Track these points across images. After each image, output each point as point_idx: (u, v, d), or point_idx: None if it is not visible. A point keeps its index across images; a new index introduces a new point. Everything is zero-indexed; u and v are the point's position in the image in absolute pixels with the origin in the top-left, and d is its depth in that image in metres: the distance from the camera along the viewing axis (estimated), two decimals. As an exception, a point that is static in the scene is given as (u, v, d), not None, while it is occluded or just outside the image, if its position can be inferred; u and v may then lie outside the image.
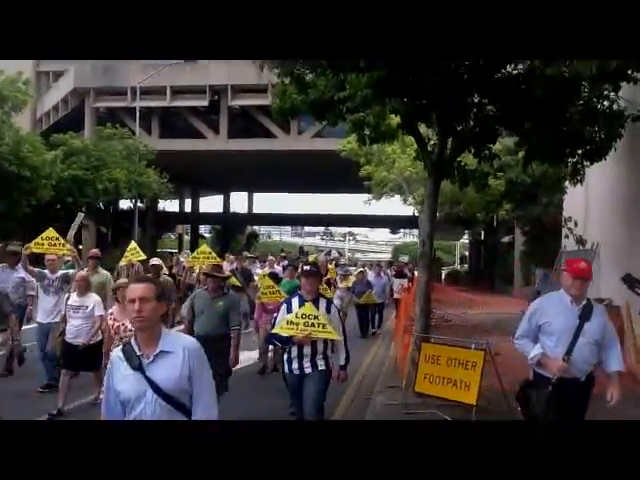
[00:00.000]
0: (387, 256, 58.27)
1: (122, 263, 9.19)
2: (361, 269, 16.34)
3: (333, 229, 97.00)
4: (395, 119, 7.89)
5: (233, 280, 9.72)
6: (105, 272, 8.58)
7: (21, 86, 22.81)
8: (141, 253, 9.10)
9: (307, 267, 5.20)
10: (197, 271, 9.66)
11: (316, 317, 4.76)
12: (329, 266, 13.44)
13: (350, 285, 13.83)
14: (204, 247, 9.03)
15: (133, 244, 9.28)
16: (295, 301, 5.08)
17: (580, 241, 10.86)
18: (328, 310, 5.02)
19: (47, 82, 38.10)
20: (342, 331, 5.05)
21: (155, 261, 9.36)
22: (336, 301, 13.76)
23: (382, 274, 16.14)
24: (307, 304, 4.89)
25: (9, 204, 22.90)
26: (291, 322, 4.84)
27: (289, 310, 5.01)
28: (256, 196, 58.16)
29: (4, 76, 22.10)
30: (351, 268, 19.51)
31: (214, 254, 8.81)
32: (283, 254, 26.88)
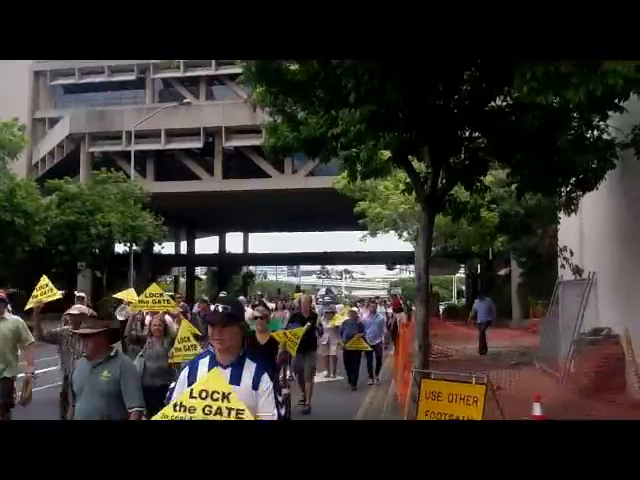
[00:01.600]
0: (384, 292, 57.46)
1: (29, 306, 6.96)
2: (353, 308, 13.69)
3: (329, 267, 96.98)
4: (387, 154, 7.95)
5: (192, 328, 7.87)
6: (15, 317, 6.88)
7: (16, 132, 23.01)
8: (55, 291, 6.94)
9: (220, 308, 3.07)
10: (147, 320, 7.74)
11: (225, 397, 2.73)
12: (314, 304, 11.02)
13: (338, 325, 12.04)
14: (154, 287, 7.45)
15: (44, 279, 7.03)
16: (203, 364, 3.03)
17: (577, 270, 10.83)
18: (255, 383, 2.92)
19: (43, 129, 38.54)
20: (281, 415, 2.96)
21: (75, 310, 6.65)
22: (322, 344, 12.00)
23: (377, 312, 14.14)
24: (214, 371, 2.86)
25: (3, 250, 22.83)
26: (182, 405, 2.74)
27: (191, 380, 2.97)
28: (252, 236, 58.39)
29: (-1, 123, 22.35)
30: (338, 306, 17.46)
31: (167, 296, 7.25)
32: (260, 293, 24.96)
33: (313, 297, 18.75)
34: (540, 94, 4.13)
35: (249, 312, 10.45)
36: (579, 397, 8.72)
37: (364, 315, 13.58)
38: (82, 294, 9.85)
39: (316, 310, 15.25)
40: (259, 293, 21.68)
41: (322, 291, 38.77)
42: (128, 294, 9.67)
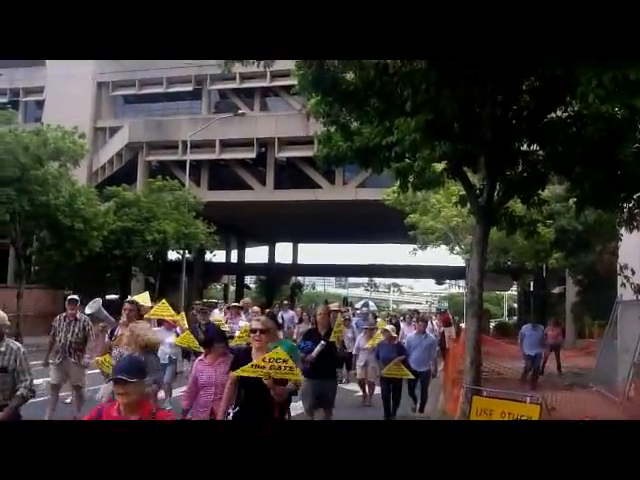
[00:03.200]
0: (422, 306, 55.66)
1: None
2: (387, 327, 10.22)
3: (377, 280, 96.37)
4: (440, 166, 7.83)
5: (191, 343, 7.91)
6: None
7: (77, 139, 23.84)
8: None
9: None
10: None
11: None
12: (339, 317, 7.92)
13: (376, 345, 9.85)
14: (163, 307, 8.26)
15: None
16: None
17: (638, 290, 10.38)
18: None
19: (104, 137, 39.86)
20: None
21: None
22: (358, 368, 10.94)
23: (427, 330, 11.24)
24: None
25: (62, 254, 23.65)
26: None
27: None
28: (301, 247, 58.58)
29: (61, 131, 23.20)
30: (378, 319, 15.07)
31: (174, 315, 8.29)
32: (286, 301, 20.28)
33: (338, 306, 16.64)
34: (607, 102, 3.97)
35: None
36: None
37: (408, 333, 11.82)
38: (75, 296, 8.41)
39: (351, 322, 13.16)
40: (285, 302, 17.82)
41: (359, 304, 36.57)
42: (142, 297, 9.23)
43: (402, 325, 14.36)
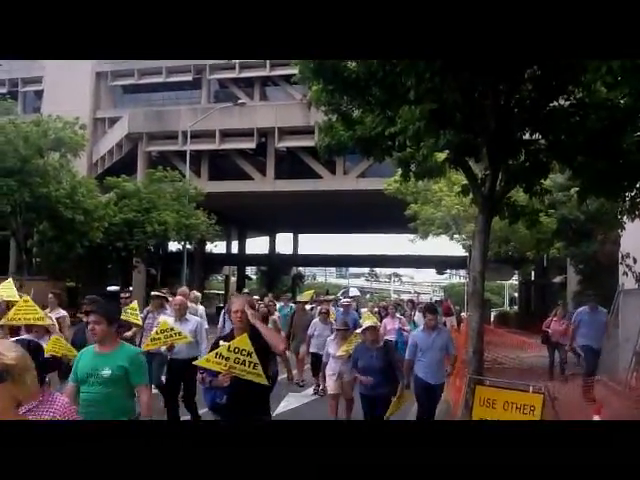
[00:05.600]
0: (406, 295, 54.06)
1: None
2: (370, 322, 7.34)
3: (378, 270, 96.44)
4: (442, 155, 7.79)
5: (66, 351, 5.53)
6: None
7: (77, 130, 23.79)
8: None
9: None
10: None
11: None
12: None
13: (352, 349, 7.39)
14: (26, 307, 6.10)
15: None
16: None
17: (640, 279, 10.38)
18: None
19: (103, 128, 39.74)
20: None
21: None
22: (329, 379, 8.04)
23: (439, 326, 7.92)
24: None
25: (63, 246, 23.68)
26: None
27: None
28: (301, 237, 58.62)
29: (61, 122, 23.16)
30: (363, 310, 13.06)
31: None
32: (246, 291, 15.66)
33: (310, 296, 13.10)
34: (615, 89, 3.94)
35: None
36: (641, 411, 8.34)
37: (389, 329, 10.20)
38: None
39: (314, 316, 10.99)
40: (245, 292, 13.23)
41: (339, 293, 31.96)
42: (4, 289, 7.14)
43: (391, 321, 11.58)
